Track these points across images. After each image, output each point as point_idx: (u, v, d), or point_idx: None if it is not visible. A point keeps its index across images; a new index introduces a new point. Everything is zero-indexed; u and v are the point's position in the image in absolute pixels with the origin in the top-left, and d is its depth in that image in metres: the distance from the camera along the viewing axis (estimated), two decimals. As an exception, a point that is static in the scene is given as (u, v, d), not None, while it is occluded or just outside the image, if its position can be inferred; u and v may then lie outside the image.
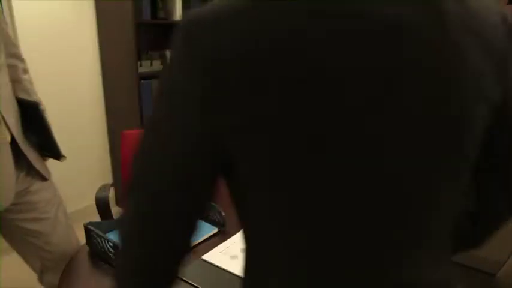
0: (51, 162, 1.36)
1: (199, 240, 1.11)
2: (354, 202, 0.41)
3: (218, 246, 1.07)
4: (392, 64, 0.39)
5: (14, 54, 1.29)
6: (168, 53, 2.67)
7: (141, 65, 2.46)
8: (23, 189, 1.23)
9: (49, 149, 1.31)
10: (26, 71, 1.32)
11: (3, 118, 1.13)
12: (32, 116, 1.26)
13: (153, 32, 2.77)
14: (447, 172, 0.43)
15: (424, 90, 0.40)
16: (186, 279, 0.94)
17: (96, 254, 1.05)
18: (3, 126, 1.12)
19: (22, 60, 1.32)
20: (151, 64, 2.55)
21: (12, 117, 1.17)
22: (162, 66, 2.63)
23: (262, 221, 0.44)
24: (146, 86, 2.46)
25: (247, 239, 0.49)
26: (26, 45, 2.15)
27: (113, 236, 1.12)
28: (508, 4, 1.68)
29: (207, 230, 1.15)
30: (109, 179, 2.75)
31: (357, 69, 0.38)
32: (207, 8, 0.41)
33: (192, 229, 0.45)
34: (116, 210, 2.67)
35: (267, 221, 0.43)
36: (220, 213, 1.17)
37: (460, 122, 0.42)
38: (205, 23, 0.40)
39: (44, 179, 1.29)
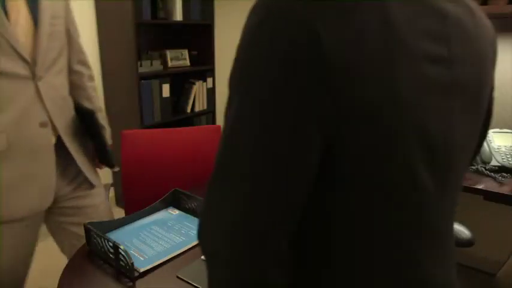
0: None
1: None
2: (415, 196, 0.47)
3: (218, 246, 1.07)
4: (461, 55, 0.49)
5: (81, 61, 1.33)
6: (168, 53, 2.67)
7: (141, 65, 2.46)
8: (71, 193, 1.27)
9: (103, 157, 1.32)
10: (91, 78, 1.36)
11: (51, 120, 1.15)
12: (89, 123, 1.28)
13: (153, 32, 2.77)
14: (466, 158, 0.53)
15: (474, 74, 0.51)
16: (186, 279, 0.94)
17: (96, 254, 1.05)
18: (49, 129, 1.14)
19: (88, 67, 1.35)
20: (151, 64, 2.54)
21: (63, 120, 1.19)
22: (162, 66, 2.63)
23: (347, 215, 0.45)
24: (146, 86, 2.46)
25: (317, 234, 0.48)
26: (26, 45, 2.15)
27: (113, 236, 1.12)
28: (508, 4, 1.68)
29: (207, 230, 1.15)
30: (109, 179, 2.75)
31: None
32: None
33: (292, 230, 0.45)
34: (116, 211, 2.67)
35: (351, 214, 0.45)
36: (220, 213, 1.17)
37: (481, 108, 0.54)
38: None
39: (91, 185, 1.31)
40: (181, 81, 2.90)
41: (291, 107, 0.39)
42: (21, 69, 1.07)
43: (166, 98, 2.62)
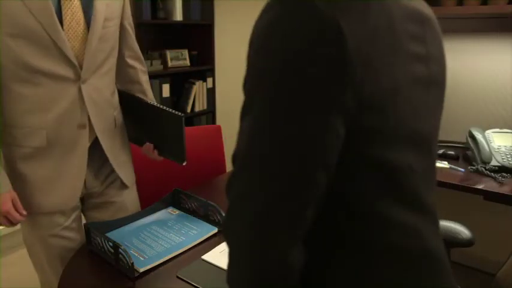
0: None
1: (199, 240, 1.11)
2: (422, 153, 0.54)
3: (218, 246, 1.08)
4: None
5: (135, 56, 1.34)
6: (168, 53, 2.67)
7: (141, 65, 2.46)
8: (103, 190, 1.30)
9: (173, 151, 1.30)
10: (144, 72, 1.38)
11: (90, 121, 1.17)
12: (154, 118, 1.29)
13: (153, 32, 2.77)
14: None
15: (438, 66, 0.58)
16: (186, 279, 0.94)
17: (96, 254, 1.05)
18: (86, 131, 1.16)
19: (141, 62, 1.36)
20: (151, 64, 2.54)
21: (102, 122, 1.21)
22: (162, 66, 2.63)
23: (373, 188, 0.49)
24: (146, 86, 2.46)
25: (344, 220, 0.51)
26: (26, 45, 2.15)
27: (113, 236, 1.12)
28: (508, 4, 1.68)
29: (207, 230, 1.15)
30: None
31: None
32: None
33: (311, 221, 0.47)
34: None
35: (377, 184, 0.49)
36: (220, 213, 1.17)
37: (443, 101, 0.62)
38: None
39: (125, 185, 1.33)
40: (181, 81, 2.90)
41: (319, 103, 0.42)
42: (67, 72, 1.09)
43: (166, 98, 2.62)
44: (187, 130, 1.97)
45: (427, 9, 0.57)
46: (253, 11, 2.75)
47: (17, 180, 1.14)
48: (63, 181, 1.15)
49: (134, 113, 1.34)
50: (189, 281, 0.93)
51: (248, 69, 0.47)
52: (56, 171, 1.14)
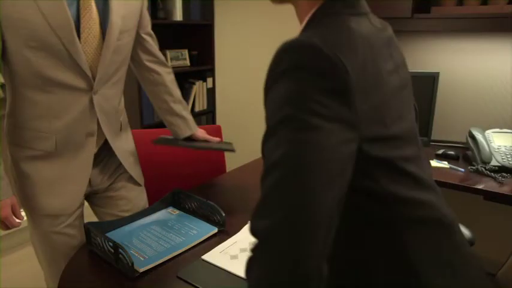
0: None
1: (199, 240, 1.11)
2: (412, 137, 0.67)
3: (218, 246, 1.08)
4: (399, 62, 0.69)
5: (156, 61, 1.39)
6: (168, 53, 2.67)
7: (141, 65, 2.46)
8: (109, 185, 1.33)
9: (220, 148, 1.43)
10: (169, 73, 1.43)
11: (100, 128, 1.20)
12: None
13: (153, 32, 2.77)
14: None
15: (405, 73, 0.70)
16: (186, 279, 0.94)
17: (96, 254, 1.05)
18: (94, 138, 1.20)
19: (164, 64, 1.41)
20: (151, 64, 2.54)
21: (111, 127, 1.25)
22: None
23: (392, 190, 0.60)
24: (146, 86, 2.46)
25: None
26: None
27: (113, 236, 1.12)
28: (508, 4, 1.68)
29: (207, 230, 1.15)
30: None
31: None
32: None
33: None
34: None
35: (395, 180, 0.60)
36: (220, 213, 1.17)
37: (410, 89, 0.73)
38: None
39: (136, 183, 1.37)
40: (181, 81, 2.90)
41: (337, 126, 0.52)
42: (80, 83, 1.12)
43: (166, 98, 2.62)
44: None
45: (389, 28, 0.71)
46: (253, 11, 2.75)
47: (22, 180, 1.16)
48: (67, 185, 1.18)
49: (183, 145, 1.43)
50: (189, 281, 0.93)
51: (271, 106, 0.55)
52: (61, 174, 1.17)
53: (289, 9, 2.63)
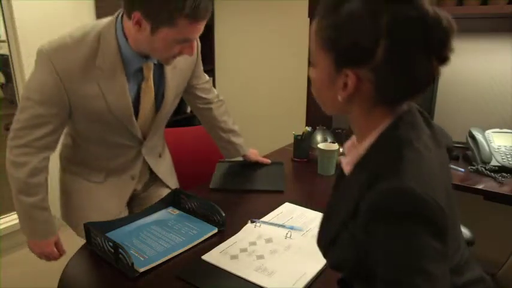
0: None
1: (199, 240, 1.11)
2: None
3: (218, 246, 1.08)
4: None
5: (209, 102, 1.51)
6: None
7: (141, 65, 2.46)
8: (144, 189, 1.46)
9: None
10: (220, 106, 1.56)
11: (140, 175, 1.39)
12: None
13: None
14: None
15: None
16: (186, 279, 0.94)
17: (96, 254, 1.05)
18: (136, 180, 1.39)
19: (216, 100, 1.54)
20: (152, 64, 2.54)
21: (155, 162, 1.42)
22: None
23: None
24: (146, 86, 2.46)
25: None
26: (26, 46, 2.15)
27: (113, 236, 1.12)
28: (508, 4, 1.68)
29: (207, 230, 1.15)
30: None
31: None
32: None
33: None
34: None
35: None
36: (220, 213, 1.17)
37: None
38: None
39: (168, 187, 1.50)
40: (182, 81, 2.90)
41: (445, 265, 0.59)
42: (132, 143, 1.31)
43: (166, 98, 2.62)
44: (188, 130, 1.97)
45: (444, 133, 0.79)
46: (253, 11, 2.76)
47: (70, 202, 1.36)
48: (108, 209, 1.34)
49: None
50: (189, 281, 0.93)
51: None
52: (105, 199, 1.34)
53: (289, 9, 2.63)
